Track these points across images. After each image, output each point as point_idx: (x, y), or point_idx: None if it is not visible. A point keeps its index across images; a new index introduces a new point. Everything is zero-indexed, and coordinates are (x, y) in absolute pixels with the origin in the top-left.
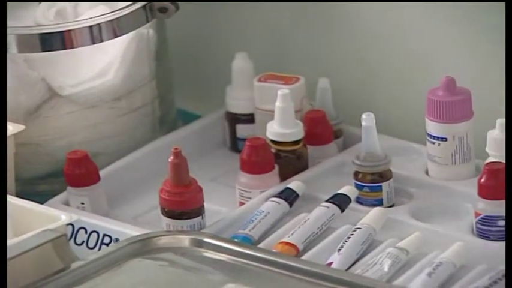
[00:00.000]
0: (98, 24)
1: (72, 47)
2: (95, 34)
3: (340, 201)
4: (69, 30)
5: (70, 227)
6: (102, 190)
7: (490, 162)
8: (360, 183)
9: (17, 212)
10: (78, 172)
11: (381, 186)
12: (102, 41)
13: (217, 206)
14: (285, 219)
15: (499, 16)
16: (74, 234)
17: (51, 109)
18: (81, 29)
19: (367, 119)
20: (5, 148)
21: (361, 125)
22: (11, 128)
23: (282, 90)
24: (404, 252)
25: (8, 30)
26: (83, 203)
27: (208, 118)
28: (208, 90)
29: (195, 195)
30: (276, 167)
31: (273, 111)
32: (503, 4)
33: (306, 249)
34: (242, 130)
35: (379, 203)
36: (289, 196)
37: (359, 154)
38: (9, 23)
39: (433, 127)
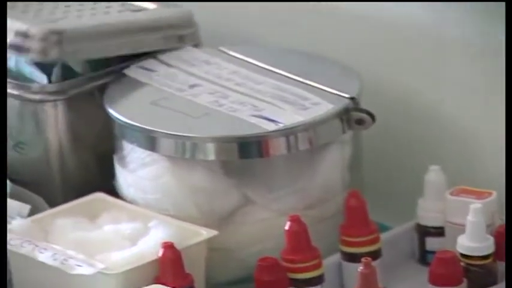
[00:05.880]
0: (295, 133)
1: (268, 156)
2: (291, 143)
3: None
4: (266, 139)
5: None
6: None
7: None
8: None
9: None
10: (268, 279)
11: None
12: (298, 150)
13: None
14: None
15: None
16: None
17: (245, 215)
18: (278, 137)
19: None
20: (5, 150)
21: None
22: (205, 233)
23: (474, 205)
24: None
25: (207, 138)
26: None
27: (399, 229)
28: (399, 201)
29: None
30: (465, 281)
31: (464, 225)
32: None
33: None
34: (432, 243)
35: None
36: None
37: None
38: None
39: None
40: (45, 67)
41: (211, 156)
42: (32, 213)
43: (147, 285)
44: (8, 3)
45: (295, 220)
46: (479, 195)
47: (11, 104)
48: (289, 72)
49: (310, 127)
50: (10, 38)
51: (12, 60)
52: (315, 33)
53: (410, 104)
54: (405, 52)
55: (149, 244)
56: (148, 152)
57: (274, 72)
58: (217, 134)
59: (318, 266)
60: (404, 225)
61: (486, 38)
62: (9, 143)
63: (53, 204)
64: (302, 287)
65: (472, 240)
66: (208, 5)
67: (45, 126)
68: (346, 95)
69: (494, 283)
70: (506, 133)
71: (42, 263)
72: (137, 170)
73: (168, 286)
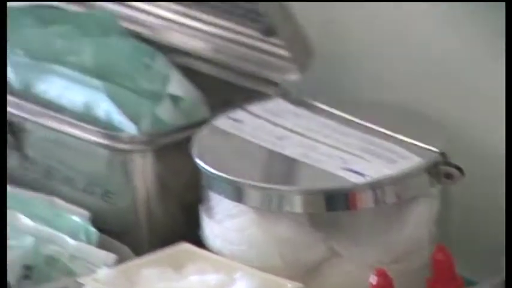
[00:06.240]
0: (382, 187)
1: (355, 209)
2: (379, 196)
3: None
4: (354, 192)
5: None
6: None
7: None
8: None
9: None
10: None
11: None
12: (385, 203)
13: None
14: None
15: None
16: None
17: (330, 268)
18: (365, 190)
19: None
20: (5, 154)
21: None
22: (290, 285)
23: None
24: None
25: (294, 190)
26: None
27: (485, 284)
28: (486, 256)
29: None
30: None
31: None
32: None
33: None
34: None
35: None
36: None
37: None
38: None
39: None
40: (134, 117)
41: (298, 209)
42: (117, 263)
43: None
44: None
45: (381, 274)
46: None
47: (100, 154)
48: (377, 125)
49: (397, 181)
50: None
51: (102, 110)
52: (401, 86)
53: (498, 157)
54: (491, 104)
55: None
56: (235, 203)
57: (362, 125)
58: (305, 186)
59: None
60: (491, 280)
61: None
62: (97, 191)
63: (139, 253)
64: None
65: None
66: None
67: (133, 176)
68: (435, 149)
69: None
70: (506, 134)
71: None
72: (224, 221)
73: None
